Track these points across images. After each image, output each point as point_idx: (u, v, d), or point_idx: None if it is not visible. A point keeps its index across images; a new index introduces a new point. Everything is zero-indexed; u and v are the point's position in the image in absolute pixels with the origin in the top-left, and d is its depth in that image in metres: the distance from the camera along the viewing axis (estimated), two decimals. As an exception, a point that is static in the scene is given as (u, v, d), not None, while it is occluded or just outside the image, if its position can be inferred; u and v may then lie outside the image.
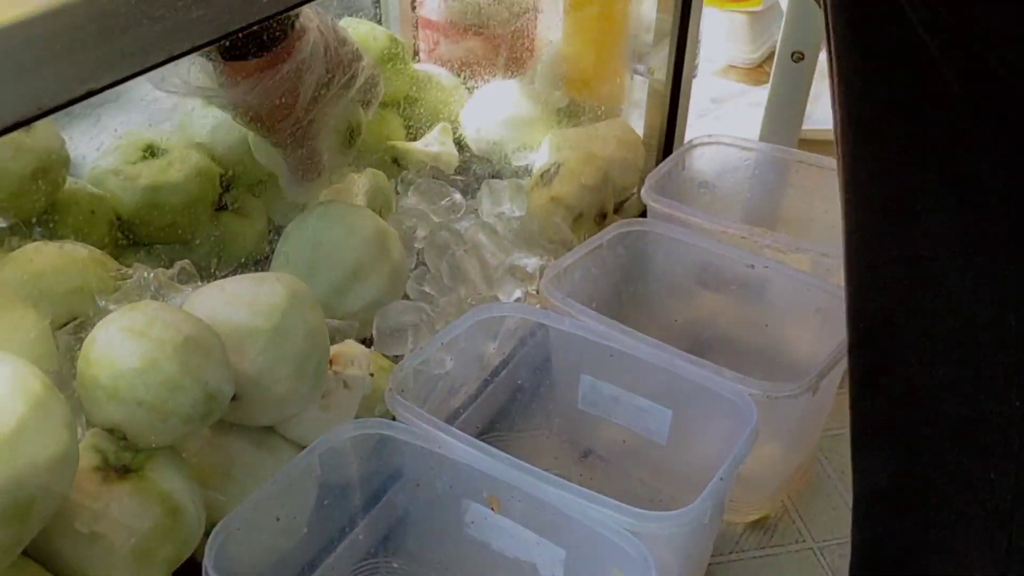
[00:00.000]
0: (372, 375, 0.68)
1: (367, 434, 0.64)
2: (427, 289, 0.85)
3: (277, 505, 0.59)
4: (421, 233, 0.91)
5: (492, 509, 0.62)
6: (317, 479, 0.63)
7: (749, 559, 0.74)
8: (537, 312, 0.77)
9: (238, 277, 0.63)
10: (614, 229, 0.86)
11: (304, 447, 0.63)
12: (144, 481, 0.55)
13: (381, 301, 0.79)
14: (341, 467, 0.64)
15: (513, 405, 0.82)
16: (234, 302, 0.60)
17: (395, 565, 0.69)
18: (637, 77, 1.06)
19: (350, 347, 0.68)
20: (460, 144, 1.07)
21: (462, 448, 0.61)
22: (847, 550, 0.75)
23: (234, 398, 0.58)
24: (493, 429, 0.81)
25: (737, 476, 0.73)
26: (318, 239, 0.77)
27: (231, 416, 0.60)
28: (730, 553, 0.75)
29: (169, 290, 0.67)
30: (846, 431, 0.87)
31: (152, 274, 0.67)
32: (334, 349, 0.67)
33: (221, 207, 0.89)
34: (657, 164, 0.99)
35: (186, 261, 0.71)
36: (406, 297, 0.85)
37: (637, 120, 1.10)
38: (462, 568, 0.67)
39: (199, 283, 0.68)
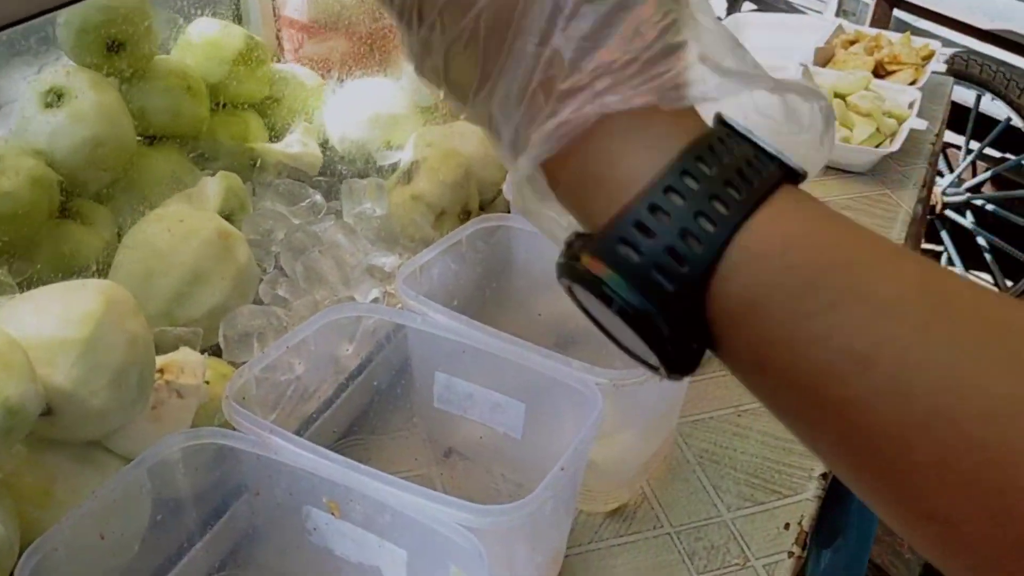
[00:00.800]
0: (208, 383, 0.65)
1: (200, 444, 0.61)
2: (281, 293, 0.82)
3: (101, 523, 0.57)
4: (279, 236, 0.89)
5: (333, 514, 0.60)
6: (148, 493, 0.60)
7: (607, 547, 0.74)
8: (389, 311, 0.75)
9: (52, 286, 0.60)
10: (473, 225, 0.85)
11: (135, 461, 0.60)
12: (-55, 505, 0.52)
13: (227, 306, 0.76)
14: (174, 480, 0.62)
15: (372, 408, 0.80)
16: (43, 312, 0.57)
17: (241, 578, 0.67)
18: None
19: (183, 355, 0.65)
20: (324, 145, 1.05)
21: (298, 454, 0.60)
22: (702, 533, 0.76)
23: (47, 413, 0.55)
24: (351, 433, 0.79)
25: (593, 466, 0.73)
26: (155, 244, 0.74)
27: (47, 432, 0.57)
28: (589, 543, 0.74)
29: (-16, 302, 0.63)
30: (705, 417, 0.89)
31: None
32: (165, 357, 0.65)
33: (63, 215, 0.85)
34: (521, 159, 0.99)
35: (1, 271, 0.67)
36: (259, 302, 0.83)
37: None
38: (308, 575, 0.65)
39: (15, 294, 0.65)
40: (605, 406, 0.65)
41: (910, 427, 0.26)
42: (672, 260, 0.29)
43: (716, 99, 0.31)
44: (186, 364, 0.64)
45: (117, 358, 0.58)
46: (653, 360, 0.31)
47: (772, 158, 0.30)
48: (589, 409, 0.64)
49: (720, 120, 0.31)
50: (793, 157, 0.30)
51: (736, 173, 0.29)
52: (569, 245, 0.31)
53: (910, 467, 0.27)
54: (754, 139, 0.30)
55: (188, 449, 0.61)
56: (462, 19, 0.30)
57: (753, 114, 0.32)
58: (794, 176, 0.30)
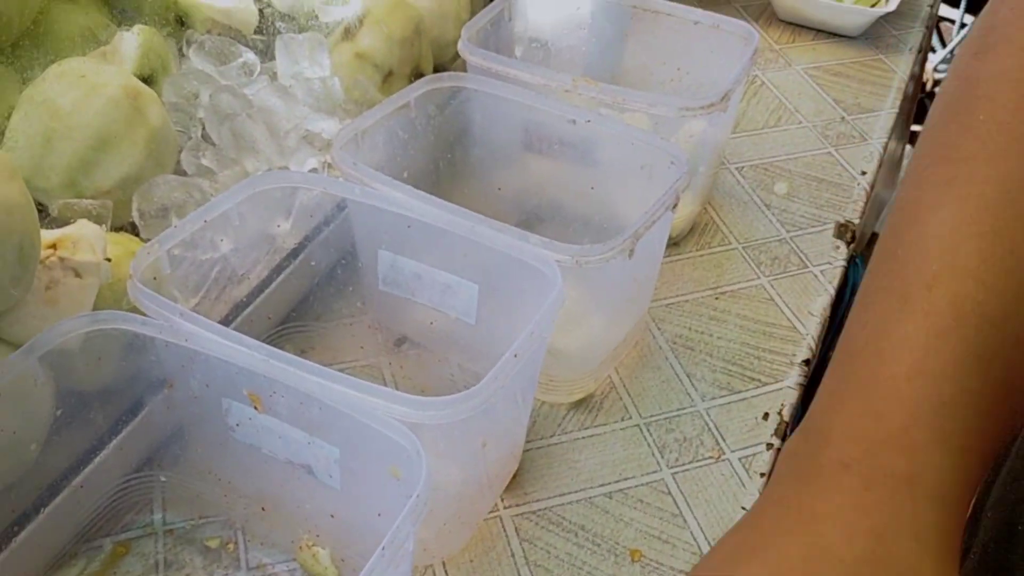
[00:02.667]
0: (109, 260, 0.57)
1: (100, 330, 0.53)
2: (205, 163, 0.73)
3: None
4: (205, 99, 0.79)
5: (255, 408, 0.53)
6: (43, 387, 0.53)
7: (571, 440, 0.68)
8: (323, 180, 0.67)
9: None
10: (423, 85, 0.75)
11: (28, 349, 0.53)
12: None
13: (141, 176, 0.67)
14: (74, 371, 0.54)
15: (312, 292, 0.72)
16: None
17: (163, 479, 0.60)
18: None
19: (78, 228, 0.56)
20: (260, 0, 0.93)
21: (212, 340, 0.52)
22: (674, 424, 0.70)
23: (-93, 294, 0.47)
24: (290, 320, 0.72)
25: (556, 353, 0.66)
26: (54, 104, 0.64)
27: (-87, 316, 0.49)
28: (551, 436, 0.68)
29: None
30: (679, 300, 0.82)
31: None
32: (58, 232, 0.56)
33: (-43, 75, 0.75)
34: (482, 15, 0.88)
35: None
36: (182, 173, 0.73)
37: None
38: (235, 475, 0.58)
39: None
40: (568, 287, 0.57)
41: None
42: None
43: None
44: (81, 238, 0.55)
45: (-11, 230, 0.49)
46: None
47: None
48: (548, 289, 0.57)
49: None
50: None
51: None
52: None
53: None
54: None
55: (88, 335, 0.53)
56: None
57: None
58: None
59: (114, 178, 0.65)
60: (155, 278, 0.58)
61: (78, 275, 0.55)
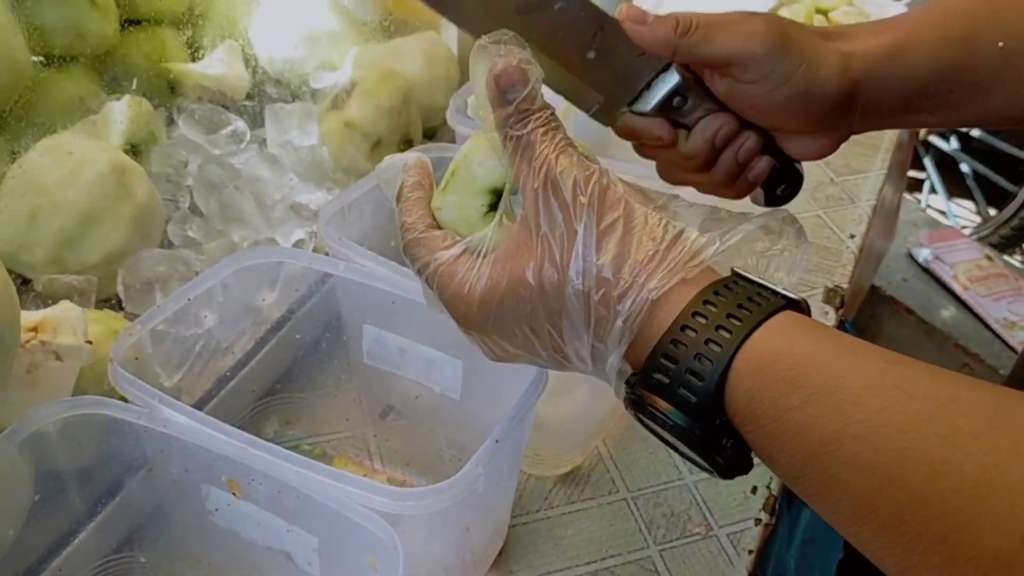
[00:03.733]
0: (90, 343, 0.57)
1: (80, 415, 0.53)
2: (191, 234, 0.73)
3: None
4: (194, 168, 0.79)
5: (234, 494, 0.52)
6: (22, 473, 0.52)
7: (557, 515, 0.67)
8: (307, 256, 0.67)
9: None
10: (410, 155, 0.75)
11: (8, 434, 0.52)
12: None
13: (126, 251, 0.67)
14: (54, 456, 0.54)
15: (296, 364, 0.72)
16: None
17: (142, 560, 0.59)
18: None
19: (60, 310, 0.56)
20: (252, 65, 0.94)
21: (192, 426, 0.51)
22: (662, 498, 0.69)
23: None
24: (275, 391, 0.71)
25: (542, 427, 0.66)
26: (40, 180, 0.65)
27: None
28: (537, 511, 0.68)
29: None
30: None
31: None
32: (39, 314, 0.56)
33: (-53, 147, 0.75)
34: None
35: None
36: (169, 245, 0.74)
37: (454, 36, 0.99)
38: (215, 558, 0.58)
39: None
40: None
41: (872, 494, 0.32)
42: (692, 377, 0.37)
43: (723, 251, 0.40)
44: (62, 321, 0.55)
45: (-33, 318, 0.49)
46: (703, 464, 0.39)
47: (774, 293, 0.38)
48: (531, 370, 0.56)
49: (732, 270, 0.40)
50: (789, 286, 0.40)
51: (738, 307, 0.37)
52: (627, 383, 0.40)
53: (876, 530, 0.33)
54: (756, 279, 0.39)
55: (67, 420, 0.53)
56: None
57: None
58: (795, 304, 0.38)
59: (99, 253, 0.65)
60: (137, 358, 0.58)
61: (59, 358, 0.55)
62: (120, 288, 0.67)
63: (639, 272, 0.39)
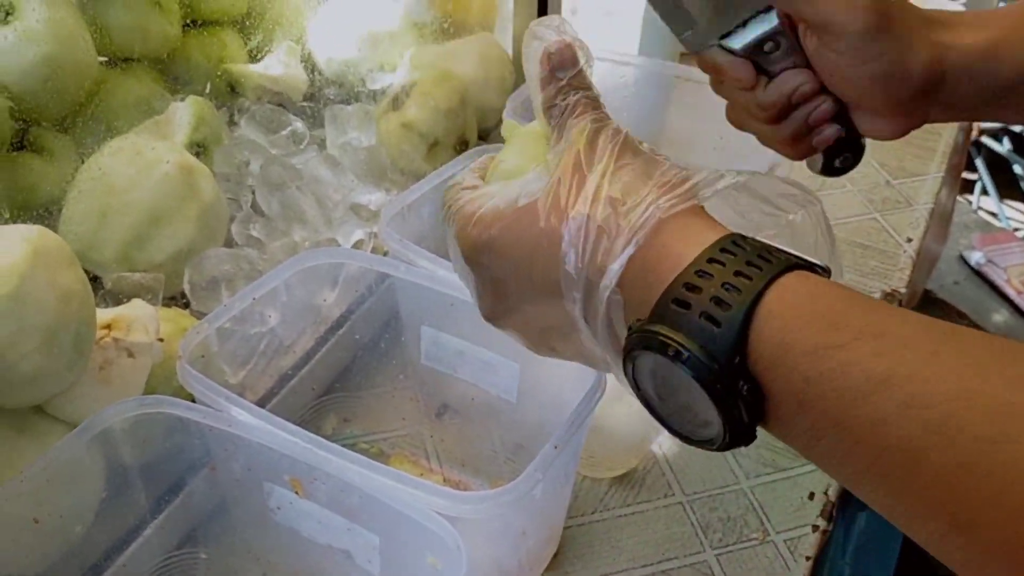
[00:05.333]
0: (162, 340, 0.58)
1: (149, 414, 0.54)
2: (255, 233, 0.74)
3: (32, 504, 0.50)
4: (255, 168, 0.81)
5: (296, 493, 0.53)
6: (93, 469, 0.54)
7: (612, 518, 0.67)
8: (368, 258, 0.67)
9: (-30, 234, 0.52)
10: (470, 156, 0.76)
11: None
12: None
13: (193, 249, 0.68)
14: (121, 453, 0.55)
15: (355, 362, 0.73)
16: (-42, 265, 0.49)
17: (203, 556, 0.61)
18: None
19: (132, 308, 0.58)
20: (310, 67, 0.96)
21: (257, 425, 0.52)
22: (718, 502, 0.69)
23: (-33, 380, 0.48)
24: (333, 390, 0.72)
25: (599, 430, 0.66)
26: (109, 181, 0.67)
27: (-28, 400, 0.50)
28: (592, 512, 0.68)
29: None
30: (723, 373, 0.81)
31: None
32: (113, 312, 0.57)
33: (19, 147, 0.77)
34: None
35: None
36: (232, 244, 0.75)
37: (509, 37, 0.99)
38: (275, 556, 0.59)
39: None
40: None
41: (926, 435, 0.30)
42: (716, 308, 0.34)
43: (736, 188, 0.40)
44: (135, 319, 0.56)
45: (48, 316, 0.50)
46: (711, 420, 0.35)
47: (797, 256, 0.36)
48: (588, 375, 0.56)
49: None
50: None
51: (765, 250, 0.35)
52: (629, 329, 0.37)
53: (930, 476, 0.30)
54: (767, 242, 0.36)
55: (135, 419, 0.54)
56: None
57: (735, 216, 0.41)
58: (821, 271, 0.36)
59: (167, 252, 0.67)
60: (203, 356, 0.59)
61: (131, 355, 0.56)
62: (186, 286, 0.68)
63: (650, 192, 0.37)
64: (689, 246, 0.36)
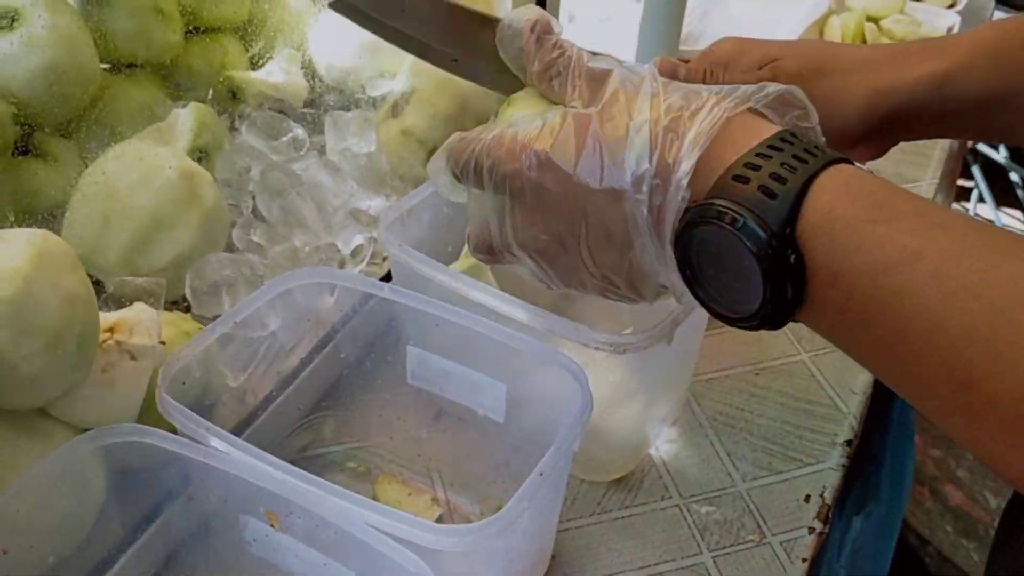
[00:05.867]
0: (163, 343, 0.58)
1: (126, 442, 0.53)
2: (256, 239, 0.75)
3: (2, 533, 0.49)
4: (256, 174, 0.81)
5: (272, 526, 0.53)
6: (66, 497, 0.53)
7: (609, 521, 0.68)
8: (358, 279, 0.66)
9: (-28, 239, 0.53)
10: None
11: (86, 430, 0.54)
12: None
13: (194, 254, 0.69)
14: (90, 484, 0.54)
15: (341, 381, 0.71)
16: (-37, 269, 0.50)
17: (177, 588, 0.60)
18: (509, -7, 0.96)
19: (134, 312, 0.58)
20: (311, 73, 0.96)
21: (235, 456, 0.51)
22: (715, 504, 0.70)
23: (-28, 381, 0.49)
24: (319, 409, 0.71)
25: (595, 434, 0.66)
26: (112, 186, 0.67)
27: (-24, 401, 0.51)
28: (590, 515, 0.68)
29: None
30: (720, 375, 0.82)
31: None
32: (115, 316, 0.58)
33: (23, 151, 0.78)
34: (524, 90, 0.90)
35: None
36: (233, 249, 0.76)
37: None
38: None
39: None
40: (607, 373, 0.58)
41: (945, 304, 0.33)
42: (774, 181, 0.37)
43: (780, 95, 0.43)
44: (137, 323, 0.57)
45: (51, 320, 0.51)
46: (755, 294, 0.38)
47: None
48: (575, 395, 0.56)
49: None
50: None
51: (815, 146, 0.39)
52: (686, 210, 0.40)
53: (945, 342, 0.33)
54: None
55: (111, 446, 0.53)
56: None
57: None
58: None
59: (168, 257, 0.68)
60: (184, 382, 0.57)
61: (134, 358, 0.57)
62: (188, 291, 0.69)
63: (710, 98, 0.41)
64: (751, 138, 0.39)
